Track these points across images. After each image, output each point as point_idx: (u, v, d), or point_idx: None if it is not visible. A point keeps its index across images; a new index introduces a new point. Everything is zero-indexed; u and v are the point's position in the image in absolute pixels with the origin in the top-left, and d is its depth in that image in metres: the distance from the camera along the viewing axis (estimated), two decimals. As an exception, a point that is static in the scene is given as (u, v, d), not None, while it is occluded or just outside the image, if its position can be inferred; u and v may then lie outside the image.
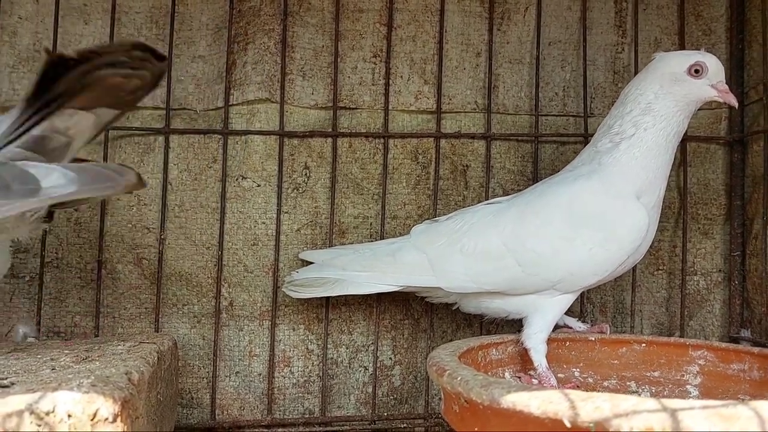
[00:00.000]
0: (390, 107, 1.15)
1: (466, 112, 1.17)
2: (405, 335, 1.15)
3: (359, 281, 1.02)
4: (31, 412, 0.54)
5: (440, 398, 1.14)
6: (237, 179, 1.12)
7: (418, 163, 1.16)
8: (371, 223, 1.15)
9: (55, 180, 0.65)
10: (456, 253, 0.97)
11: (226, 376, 1.10)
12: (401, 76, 1.16)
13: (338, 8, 1.14)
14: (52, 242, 1.08)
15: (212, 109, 1.13)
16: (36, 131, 0.68)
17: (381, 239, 1.12)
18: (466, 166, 1.17)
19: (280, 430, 1.09)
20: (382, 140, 1.15)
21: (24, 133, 0.68)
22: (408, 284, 1.01)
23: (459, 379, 0.67)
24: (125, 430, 0.58)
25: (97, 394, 0.57)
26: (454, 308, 1.05)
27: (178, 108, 1.12)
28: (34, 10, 1.09)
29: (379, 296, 1.11)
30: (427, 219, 1.11)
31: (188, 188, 1.11)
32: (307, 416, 1.11)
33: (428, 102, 1.16)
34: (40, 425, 0.53)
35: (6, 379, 0.65)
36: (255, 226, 1.12)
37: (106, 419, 0.56)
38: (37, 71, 0.65)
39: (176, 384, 1.00)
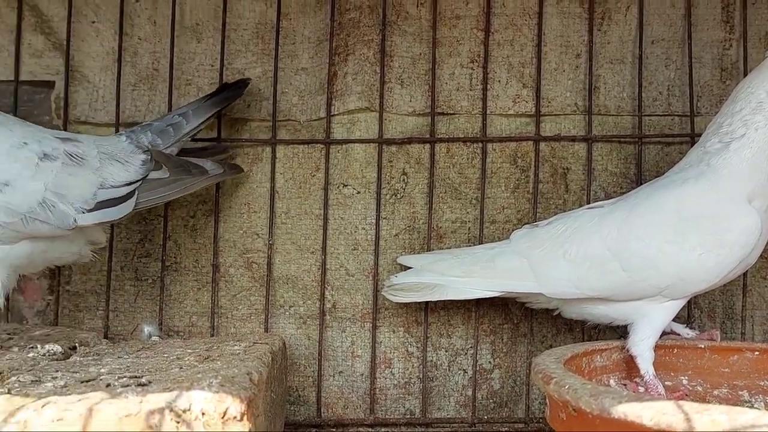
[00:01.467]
0: (488, 111, 1.16)
1: (566, 114, 1.16)
2: (504, 339, 1.16)
3: (458, 286, 1.04)
4: (171, 410, 0.59)
5: (540, 402, 1.15)
6: (339, 187, 1.16)
7: (517, 166, 1.16)
8: (469, 228, 1.16)
9: (210, 166, 1.04)
10: (558, 259, 0.97)
11: (330, 376, 1.15)
12: (499, 81, 1.17)
13: (435, 16, 1.16)
14: (171, 247, 1.15)
15: (315, 120, 1.17)
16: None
17: (479, 244, 1.13)
18: (567, 169, 1.16)
19: (382, 429, 1.12)
20: (480, 145, 1.16)
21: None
22: (508, 290, 1.02)
23: (567, 387, 0.68)
24: (250, 428, 0.62)
25: (225, 394, 0.62)
26: (555, 314, 1.05)
27: (283, 119, 1.17)
28: (152, 31, 1.17)
29: (478, 300, 1.12)
30: (527, 223, 1.11)
31: (294, 196, 1.16)
32: (408, 417, 1.13)
33: (527, 105, 1.16)
34: (178, 422, 0.58)
35: (143, 377, 0.71)
36: (355, 232, 1.16)
37: (234, 417, 0.61)
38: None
39: (285, 382, 1.05)
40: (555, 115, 1.16)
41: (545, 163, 1.16)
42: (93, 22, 1.17)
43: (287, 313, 1.16)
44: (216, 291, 1.15)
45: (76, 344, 0.94)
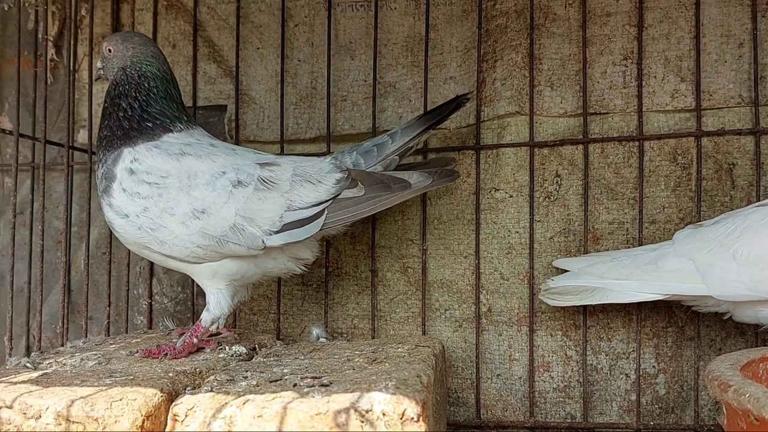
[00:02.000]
0: (644, 109, 1.13)
1: (729, 107, 1.11)
2: (668, 343, 1.12)
3: (619, 290, 1.02)
4: (355, 410, 0.64)
5: (710, 409, 1.10)
6: (490, 191, 1.18)
7: (677, 164, 1.12)
8: (627, 229, 1.13)
9: (416, 179, 1.02)
10: (728, 260, 0.92)
11: (488, 378, 1.16)
12: (655, 76, 1.13)
13: (584, 15, 1.14)
14: (333, 254, 1.23)
15: (464, 127, 1.20)
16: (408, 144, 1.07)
17: (639, 245, 1.10)
18: (732, 164, 1.10)
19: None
20: (636, 143, 1.13)
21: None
22: (673, 293, 0.98)
23: (747, 395, 0.65)
24: (426, 428, 0.66)
25: (402, 396, 0.66)
26: (725, 317, 1.00)
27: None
28: (310, 52, 1.25)
29: (639, 303, 1.09)
30: (690, 223, 1.07)
31: (445, 202, 1.19)
32: (569, 421, 1.13)
33: (686, 100, 1.12)
34: (362, 422, 0.63)
35: (322, 377, 0.76)
36: (509, 236, 1.17)
37: (412, 419, 0.65)
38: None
39: (445, 384, 1.08)
40: (717, 108, 1.11)
41: (708, 159, 1.11)
42: (258, 48, 1.27)
43: (443, 316, 1.19)
44: (375, 295, 1.20)
45: (256, 346, 1.03)
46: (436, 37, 1.22)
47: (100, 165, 0.99)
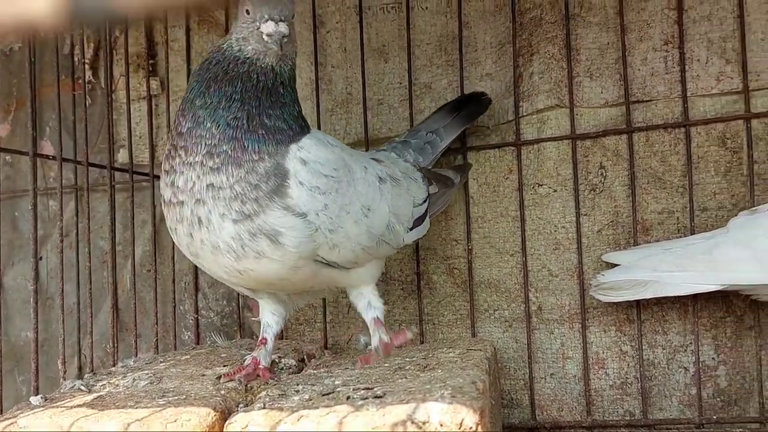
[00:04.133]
0: (688, 94, 1.09)
1: (779, 86, 1.06)
2: (727, 333, 1.08)
3: (673, 282, 0.99)
4: (412, 422, 0.62)
5: (777, 401, 1.06)
6: (533, 187, 1.15)
7: (726, 148, 1.08)
8: (678, 218, 1.10)
9: (452, 175, 1.07)
10: (787, 246, 0.89)
11: (542, 378, 1.14)
12: (698, 60, 1.10)
13: (621, 1, 1.11)
14: (377, 260, 1.22)
15: (503, 123, 1.18)
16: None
17: (691, 234, 1.07)
18: (786, 145, 1.06)
19: (601, 431, 1.10)
20: (682, 129, 1.09)
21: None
22: (731, 283, 0.95)
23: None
24: (486, 437, 0.64)
25: (459, 405, 0.64)
26: (788, 306, 0.96)
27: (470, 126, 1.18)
28: (343, 58, 1.24)
29: (695, 294, 1.06)
30: (744, 209, 1.03)
31: (488, 200, 1.18)
32: (628, 418, 1.10)
33: (732, 82, 1.08)
34: (421, 434, 0.62)
35: (375, 388, 0.75)
36: (555, 231, 1.14)
37: (470, 428, 0.63)
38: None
39: (498, 386, 1.06)
40: (766, 89, 1.07)
41: (760, 142, 1.07)
42: (291, 58, 1.27)
43: (492, 317, 1.17)
44: (421, 298, 1.19)
45: (305, 356, 1.03)
46: (469, 35, 1.20)
47: (259, 162, 0.81)
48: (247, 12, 0.81)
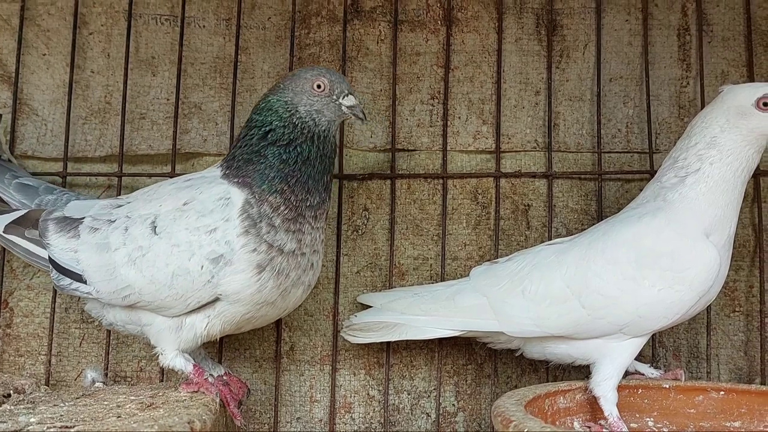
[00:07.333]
0: (448, 148, 1.15)
1: (526, 150, 1.16)
2: (468, 381, 1.12)
3: (418, 326, 1.01)
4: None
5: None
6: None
7: (477, 203, 1.15)
8: (431, 265, 1.14)
9: None
10: (517, 296, 0.94)
11: (288, 422, 1.10)
12: (459, 117, 1.16)
13: (395, 52, 1.15)
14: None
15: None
16: None
17: (441, 281, 1.11)
18: (528, 205, 1.14)
19: (341, 477, 1.07)
20: (440, 181, 1.14)
21: None
22: (469, 329, 0.99)
23: (526, 431, 0.65)
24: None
25: (157, 445, 0.57)
26: (517, 354, 1.02)
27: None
28: (105, 64, 1.14)
29: (441, 340, 1.09)
30: (488, 260, 1.09)
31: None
32: (368, 463, 1.09)
33: (487, 142, 1.16)
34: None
35: (74, 427, 0.66)
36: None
37: (167, 469, 0.56)
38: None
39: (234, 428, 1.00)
40: (515, 151, 1.16)
41: (506, 200, 1.15)
42: (44, 55, 1.14)
43: (242, 356, 1.11)
44: (168, 333, 1.10)
45: (11, 392, 0.88)
46: (247, 61, 1.17)
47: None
48: (319, 87, 0.92)
